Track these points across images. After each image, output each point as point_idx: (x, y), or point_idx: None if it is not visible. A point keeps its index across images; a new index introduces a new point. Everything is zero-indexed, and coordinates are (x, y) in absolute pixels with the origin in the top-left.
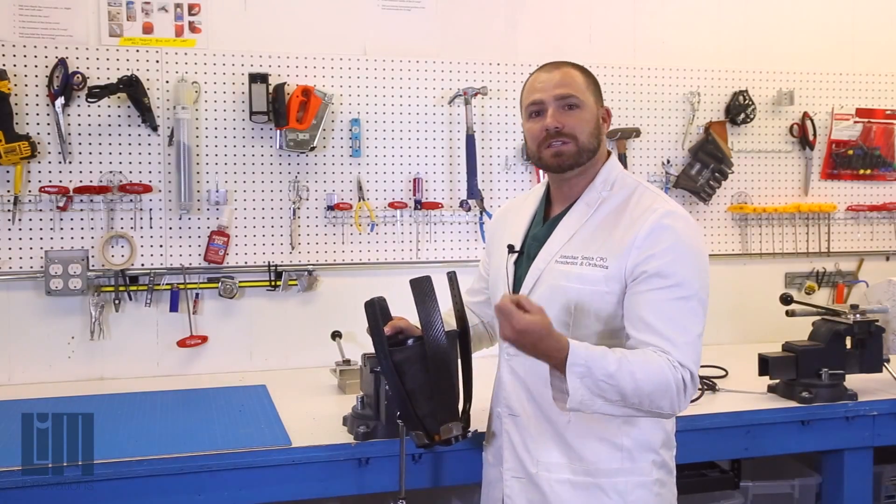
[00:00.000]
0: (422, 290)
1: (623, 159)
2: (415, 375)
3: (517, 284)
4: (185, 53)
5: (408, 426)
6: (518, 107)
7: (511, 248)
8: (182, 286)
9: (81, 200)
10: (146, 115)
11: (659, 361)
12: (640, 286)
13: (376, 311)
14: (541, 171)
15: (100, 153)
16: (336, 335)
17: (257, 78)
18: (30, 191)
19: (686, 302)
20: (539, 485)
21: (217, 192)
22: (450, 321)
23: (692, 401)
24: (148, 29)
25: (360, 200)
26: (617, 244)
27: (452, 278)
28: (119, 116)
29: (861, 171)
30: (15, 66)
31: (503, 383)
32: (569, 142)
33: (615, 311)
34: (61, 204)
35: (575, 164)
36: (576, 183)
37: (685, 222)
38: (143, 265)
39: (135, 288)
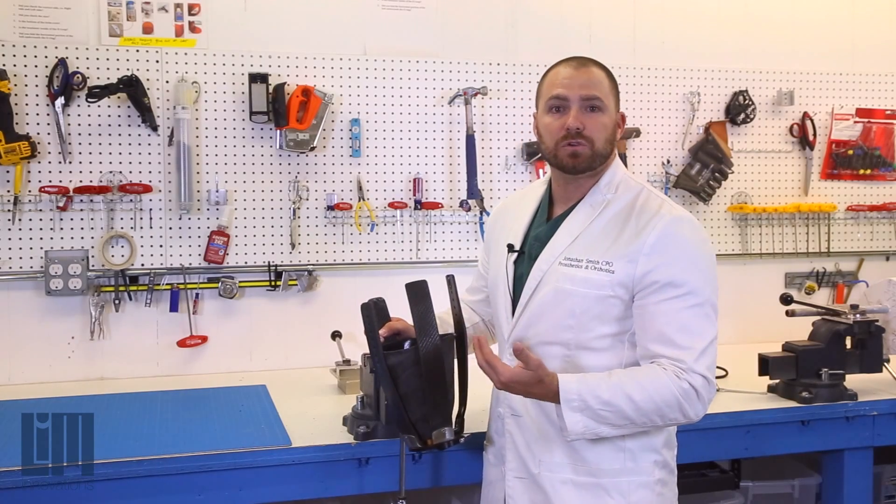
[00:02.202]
0: (417, 294)
1: (623, 159)
2: (409, 379)
3: (517, 284)
4: (185, 53)
5: (401, 429)
6: (517, 106)
7: (511, 248)
8: (182, 286)
9: (81, 200)
10: (146, 115)
11: (660, 376)
12: (653, 297)
13: (372, 313)
14: (540, 169)
15: (100, 153)
16: (336, 335)
17: (257, 78)
18: (30, 191)
19: (700, 308)
20: (542, 485)
21: (217, 192)
22: (447, 320)
23: None
24: (148, 29)
25: (360, 200)
26: (623, 249)
27: (451, 282)
28: (119, 116)
29: (861, 171)
30: (15, 66)
31: None
32: (586, 144)
33: (620, 315)
34: (61, 204)
35: (588, 168)
36: (582, 184)
37: (692, 227)
38: (143, 265)
39: (135, 288)
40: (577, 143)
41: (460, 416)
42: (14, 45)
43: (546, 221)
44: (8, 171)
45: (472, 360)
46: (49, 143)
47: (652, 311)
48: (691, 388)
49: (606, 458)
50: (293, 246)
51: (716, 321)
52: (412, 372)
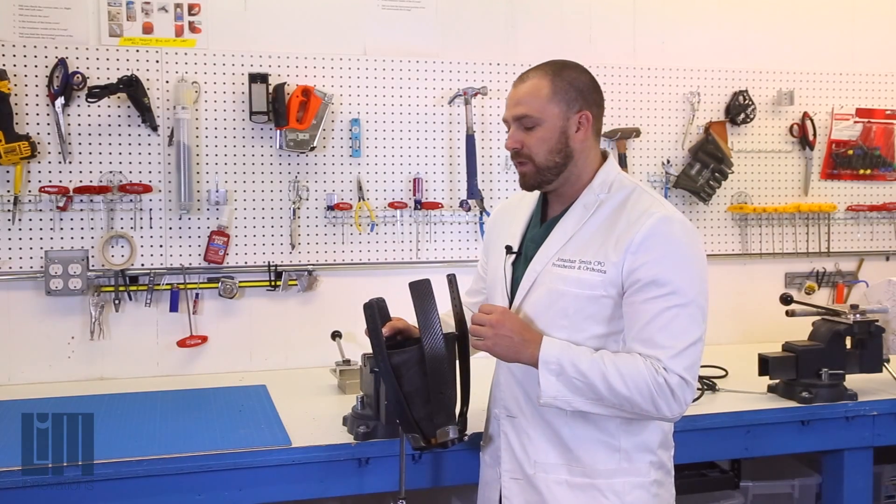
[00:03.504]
0: (420, 292)
1: (623, 159)
2: (412, 378)
3: (514, 286)
4: (185, 53)
5: (404, 428)
6: None
7: (509, 250)
8: (182, 286)
9: (81, 200)
10: (146, 115)
11: (638, 365)
12: (637, 296)
13: (375, 313)
14: None
15: (100, 153)
16: (336, 335)
17: (257, 78)
18: (30, 191)
19: (682, 309)
20: (536, 486)
21: (217, 192)
22: (448, 321)
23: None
24: (148, 29)
25: (360, 200)
26: (613, 248)
27: (452, 281)
28: (119, 116)
29: (861, 171)
30: (15, 66)
31: (500, 385)
32: (526, 163)
33: (613, 315)
34: (61, 204)
35: (537, 184)
36: (566, 190)
37: (682, 227)
38: (143, 265)
39: (135, 288)
40: (519, 164)
41: (462, 414)
42: (14, 45)
43: (541, 223)
44: (8, 171)
45: (474, 359)
46: (49, 143)
47: (636, 309)
48: (666, 384)
49: (601, 459)
50: (293, 246)
51: (702, 323)
52: (416, 371)
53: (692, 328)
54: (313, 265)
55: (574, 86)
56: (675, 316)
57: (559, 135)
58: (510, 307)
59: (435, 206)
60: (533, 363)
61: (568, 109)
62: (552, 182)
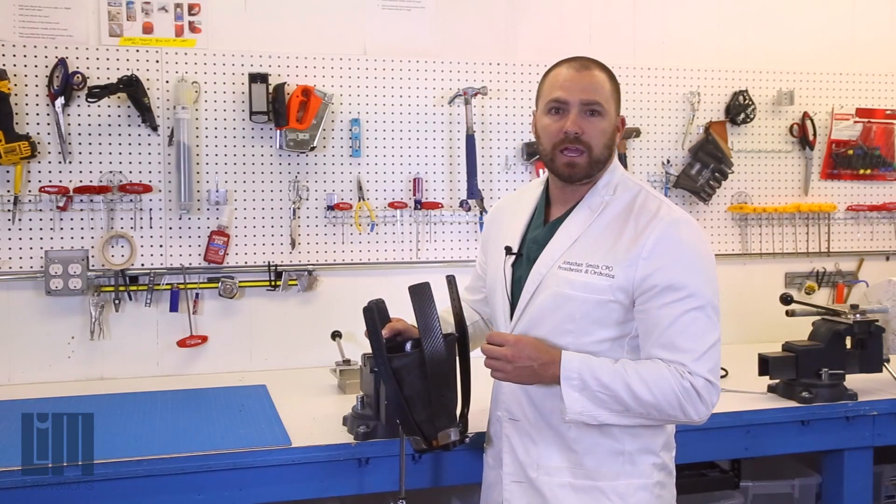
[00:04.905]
0: (420, 296)
1: (623, 159)
2: (413, 382)
3: (515, 287)
4: (185, 53)
5: (406, 431)
6: (517, 106)
7: (509, 250)
8: (182, 286)
9: (81, 200)
10: (146, 115)
11: (662, 371)
12: (654, 301)
13: (375, 316)
14: (540, 169)
15: (100, 153)
16: (336, 335)
17: (257, 78)
18: (30, 191)
19: (700, 311)
20: (539, 489)
21: (217, 192)
22: (448, 319)
23: None
24: (148, 29)
25: (360, 200)
26: (623, 253)
27: (451, 282)
28: (119, 116)
29: (861, 171)
30: (15, 66)
31: (502, 387)
32: (583, 151)
33: (620, 319)
34: (61, 204)
35: (585, 177)
36: (579, 187)
37: (691, 229)
38: (143, 265)
39: (135, 288)
40: (574, 150)
41: (463, 415)
42: (14, 45)
43: (543, 223)
44: (8, 171)
45: (474, 359)
46: (49, 143)
47: (653, 315)
48: (692, 388)
49: (605, 462)
50: (293, 246)
51: (718, 323)
52: (416, 374)
53: (711, 330)
54: (313, 265)
55: (619, 90)
56: (694, 319)
57: (613, 130)
58: (512, 310)
59: (435, 206)
60: (555, 382)
61: (617, 110)
62: (591, 177)
